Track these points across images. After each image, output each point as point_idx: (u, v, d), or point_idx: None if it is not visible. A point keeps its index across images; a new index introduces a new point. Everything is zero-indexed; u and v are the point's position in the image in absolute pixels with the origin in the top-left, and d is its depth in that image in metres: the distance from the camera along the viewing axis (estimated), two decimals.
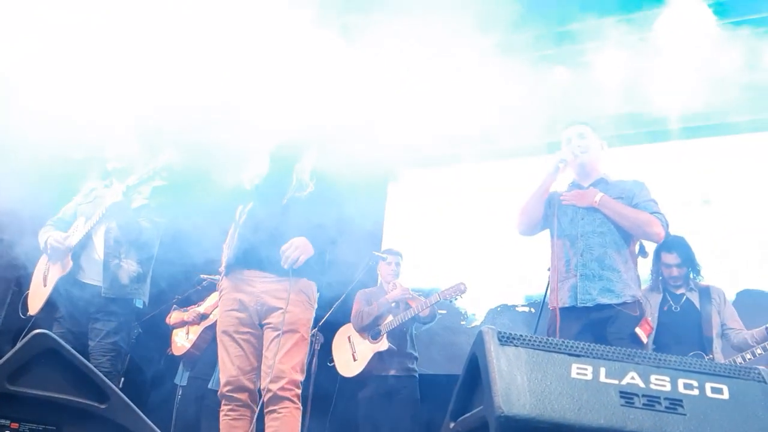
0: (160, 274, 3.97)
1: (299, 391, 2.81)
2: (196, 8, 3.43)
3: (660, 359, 1.67)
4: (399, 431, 4.71)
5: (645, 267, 4.29)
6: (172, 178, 3.63)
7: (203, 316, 5.04)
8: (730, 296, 4.30)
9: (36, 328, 1.96)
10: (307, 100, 3.17)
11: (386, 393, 4.79)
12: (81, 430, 1.91)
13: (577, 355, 1.65)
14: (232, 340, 2.88)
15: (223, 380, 2.87)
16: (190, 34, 3.45)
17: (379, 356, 4.83)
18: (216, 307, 5.02)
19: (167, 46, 3.47)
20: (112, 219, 3.59)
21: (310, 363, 4.31)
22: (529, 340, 1.66)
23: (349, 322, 5.12)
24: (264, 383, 2.78)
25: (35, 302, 3.61)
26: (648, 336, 3.11)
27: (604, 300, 3.06)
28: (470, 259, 6.47)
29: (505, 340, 1.66)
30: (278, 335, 2.80)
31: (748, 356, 3.67)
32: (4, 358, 1.86)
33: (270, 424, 2.75)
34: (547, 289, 4.92)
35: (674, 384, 1.62)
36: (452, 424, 1.83)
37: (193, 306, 5.22)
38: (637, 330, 3.03)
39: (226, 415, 2.85)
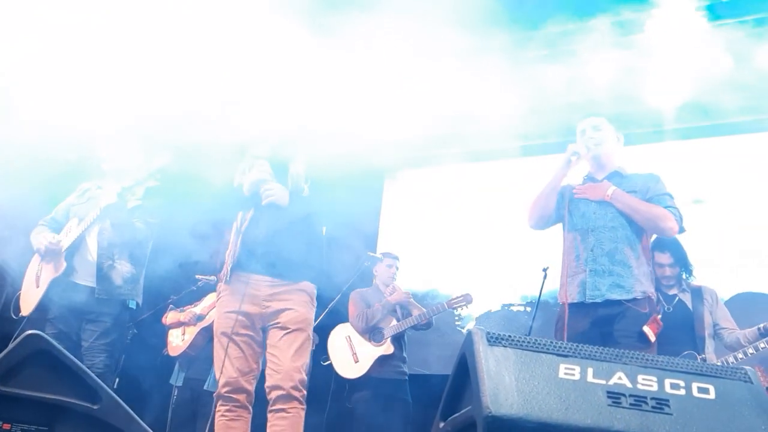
0: (155, 274, 3.97)
1: (305, 392, 2.84)
2: (189, 11, 3.44)
3: (647, 359, 1.69)
4: None
5: None
6: (166, 179, 3.64)
7: (199, 317, 5.05)
8: (723, 296, 4.31)
9: (28, 329, 1.97)
10: (293, 101, 3.18)
11: (384, 396, 4.82)
12: (73, 430, 1.91)
13: (565, 356, 1.66)
14: (231, 341, 2.89)
15: (222, 381, 2.88)
16: (182, 36, 3.45)
17: (381, 359, 4.85)
18: (212, 308, 5.03)
19: (160, 49, 3.48)
20: (106, 220, 3.60)
21: None
22: (518, 341, 1.68)
23: (342, 322, 5.12)
24: (273, 381, 2.79)
25: (27, 303, 3.61)
26: (656, 334, 3.03)
27: (614, 296, 3.00)
28: (465, 259, 6.48)
29: (493, 340, 1.67)
30: (286, 334, 2.83)
31: (740, 356, 3.68)
32: None
33: (276, 422, 2.76)
34: (542, 287, 4.97)
35: (661, 384, 1.64)
36: (442, 424, 1.84)
37: (189, 306, 5.23)
38: (645, 328, 2.97)
39: (222, 415, 2.86)
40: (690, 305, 3.91)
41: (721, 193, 5.85)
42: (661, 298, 3.99)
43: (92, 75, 3.76)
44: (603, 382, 1.62)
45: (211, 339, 5.01)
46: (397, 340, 4.95)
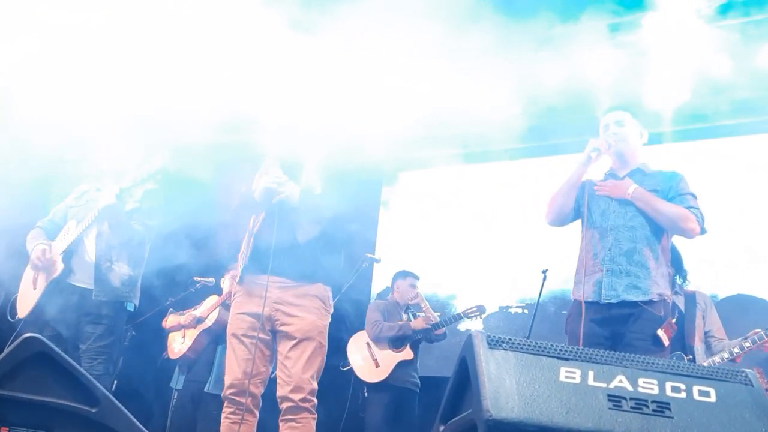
0: (153, 276, 3.95)
1: (316, 402, 2.83)
2: (188, 10, 3.43)
3: (648, 363, 1.69)
4: None
5: None
6: (165, 181, 3.63)
7: (199, 320, 5.04)
8: (715, 295, 4.29)
9: (25, 332, 1.96)
10: (289, 100, 3.18)
11: (396, 404, 4.94)
12: None
13: (566, 359, 1.66)
14: (240, 343, 2.89)
15: (227, 382, 2.87)
16: (182, 35, 3.45)
17: (402, 365, 4.99)
18: (212, 310, 5.04)
19: (160, 46, 3.47)
20: (105, 222, 3.58)
21: None
22: (518, 344, 1.67)
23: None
24: (283, 392, 2.79)
25: (24, 305, 3.58)
26: (670, 338, 2.97)
27: (630, 297, 2.94)
28: (463, 261, 6.48)
29: (494, 343, 1.67)
30: (295, 344, 2.81)
31: (726, 355, 3.69)
32: None
33: None
34: (541, 289, 4.97)
35: (662, 387, 1.63)
36: (442, 428, 1.84)
37: (189, 309, 5.22)
38: (660, 332, 2.91)
39: (227, 417, 2.86)
40: (683, 308, 3.90)
41: (714, 197, 5.86)
42: None
43: (89, 74, 3.76)
44: (604, 385, 1.62)
45: (211, 341, 5.04)
46: (414, 348, 5.08)
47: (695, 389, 1.64)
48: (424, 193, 7.29)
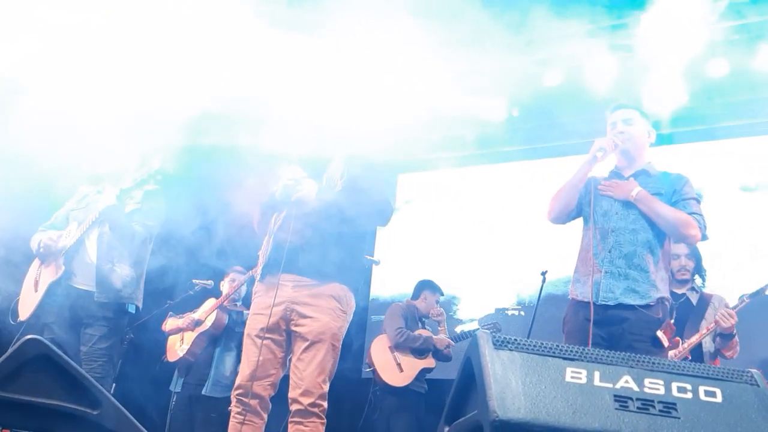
0: (152, 278, 3.94)
1: (326, 405, 2.80)
2: (188, 13, 3.43)
3: (653, 363, 1.68)
4: None
5: None
6: (166, 181, 3.62)
7: (197, 322, 5.03)
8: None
9: (27, 334, 1.94)
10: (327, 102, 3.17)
11: (413, 407, 5.02)
12: None
13: (572, 359, 1.65)
14: (253, 343, 2.86)
15: (236, 382, 2.86)
16: (183, 38, 3.44)
17: (424, 372, 5.09)
18: (211, 312, 5.02)
19: (162, 49, 3.46)
20: (105, 223, 3.56)
21: None
22: (524, 344, 1.67)
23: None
24: (294, 394, 2.77)
25: (26, 308, 3.56)
26: (669, 339, 2.98)
27: (627, 300, 2.93)
28: (463, 264, 6.47)
29: (499, 344, 1.66)
30: (308, 346, 2.79)
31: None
32: None
33: None
34: (540, 291, 4.97)
35: (668, 387, 1.63)
36: (447, 429, 1.83)
37: (188, 312, 5.21)
38: (659, 333, 2.90)
39: (234, 417, 2.83)
40: (695, 303, 3.93)
41: (715, 197, 5.87)
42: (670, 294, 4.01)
43: (87, 75, 3.74)
44: (610, 385, 1.62)
45: (209, 344, 5.03)
46: (435, 356, 5.16)
47: (701, 389, 1.64)
48: (423, 195, 7.29)
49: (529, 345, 1.67)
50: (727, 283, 4.96)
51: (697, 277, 4.03)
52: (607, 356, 1.68)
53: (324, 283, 2.86)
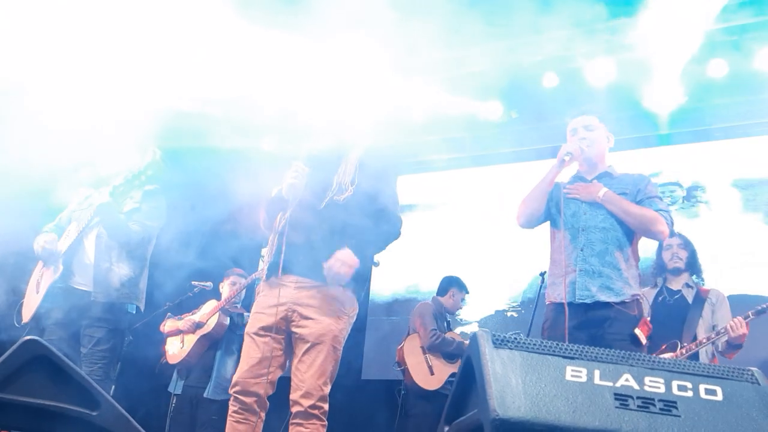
0: (152, 279, 3.93)
1: (327, 407, 2.79)
2: (180, 12, 3.43)
3: (654, 361, 1.68)
4: None
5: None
6: (160, 177, 3.60)
7: (198, 325, 5.02)
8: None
9: (28, 335, 1.94)
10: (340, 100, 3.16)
11: (440, 411, 4.95)
12: None
13: (572, 358, 1.65)
14: (252, 341, 2.86)
15: (233, 380, 2.85)
16: (174, 40, 3.44)
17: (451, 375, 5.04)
18: (212, 315, 5.01)
19: (162, 52, 3.47)
20: (101, 221, 3.55)
21: None
22: (524, 343, 1.66)
23: None
24: (294, 396, 2.77)
25: (28, 310, 3.56)
26: (647, 336, 3.05)
27: (603, 297, 2.99)
28: (462, 265, 6.47)
29: (499, 342, 1.66)
30: (308, 349, 2.78)
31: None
32: None
33: None
34: (540, 291, 4.97)
35: (668, 386, 1.63)
36: (447, 428, 1.82)
37: (187, 314, 5.20)
38: (637, 331, 2.97)
39: (231, 415, 2.83)
40: (690, 300, 3.92)
41: (712, 197, 5.88)
42: (665, 290, 4.01)
43: (86, 79, 3.75)
44: (610, 384, 1.61)
45: (210, 347, 5.02)
46: None
47: (702, 388, 1.64)
48: (422, 196, 7.29)
49: (529, 344, 1.66)
50: (724, 283, 4.95)
51: (693, 275, 4.03)
52: (608, 355, 1.68)
53: (326, 285, 2.84)
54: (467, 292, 5.47)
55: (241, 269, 5.29)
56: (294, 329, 2.84)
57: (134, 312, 3.63)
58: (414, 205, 7.29)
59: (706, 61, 5.41)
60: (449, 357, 5.09)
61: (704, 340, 3.75)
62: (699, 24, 4.93)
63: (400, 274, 6.94)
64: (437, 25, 3.98)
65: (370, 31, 3.59)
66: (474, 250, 6.43)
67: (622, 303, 2.99)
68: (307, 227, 2.84)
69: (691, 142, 6.14)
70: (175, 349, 5.05)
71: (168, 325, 5.15)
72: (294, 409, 2.76)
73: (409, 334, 5.29)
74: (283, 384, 2.89)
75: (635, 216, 3.08)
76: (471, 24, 4.53)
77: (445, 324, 5.30)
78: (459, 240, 6.65)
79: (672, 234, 3.19)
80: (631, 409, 1.57)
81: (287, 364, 2.92)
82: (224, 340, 5.01)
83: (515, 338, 1.67)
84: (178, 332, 5.07)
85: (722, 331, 3.70)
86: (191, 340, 4.98)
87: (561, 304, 3.02)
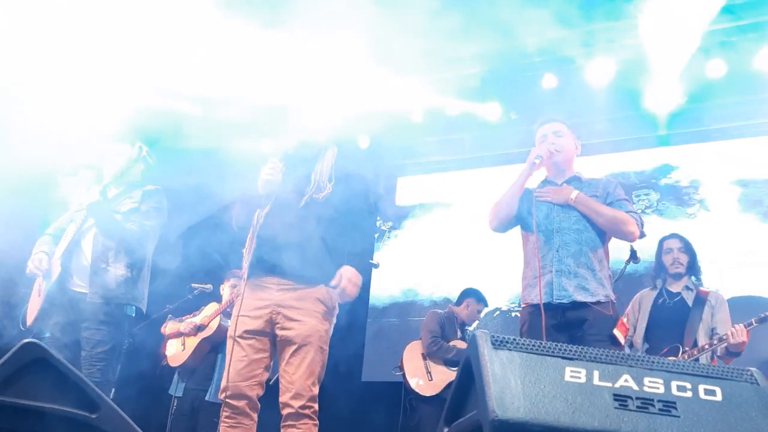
0: (151, 281, 3.91)
1: (317, 407, 2.79)
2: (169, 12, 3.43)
3: (653, 361, 1.68)
4: None
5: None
6: (148, 174, 3.60)
7: (200, 327, 5.02)
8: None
9: (29, 339, 1.93)
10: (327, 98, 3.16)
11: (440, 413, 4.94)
12: None
13: (571, 358, 1.65)
14: (237, 344, 2.84)
15: (222, 385, 2.83)
16: (175, 40, 3.44)
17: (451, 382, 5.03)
18: (213, 317, 5.01)
19: (156, 55, 3.47)
20: (94, 221, 3.53)
21: None
22: (523, 344, 1.66)
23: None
24: (284, 398, 2.76)
25: (31, 313, 3.54)
26: (625, 336, 3.11)
27: (580, 297, 3.01)
28: (462, 266, 6.47)
29: (498, 343, 1.65)
30: (295, 350, 2.78)
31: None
32: None
33: None
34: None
35: (668, 386, 1.62)
36: (446, 429, 1.82)
37: (188, 316, 5.19)
38: (615, 331, 3.00)
39: (223, 421, 2.81)
40: (690, 303, 3.92)
41: (711, 199, 5.88)
42: (664, 293, 4.02)
43: (81, 79, 3.75)
44: (609, 384, 1.61)
45: (212, 350, 5.01)
46: None
47: (701, 388, 1.63)
48: (421, 198, 7.29)
49: (528, 345, 1.66)
50: (722, 283, 4.96)
51: (692, 277, 4.04)
52: (607, 355, 1.68)
53: (309, 285, 2.84)
54: (485, 305, 5.49)
55: (241, 271, 5.28)
56: (279, 332, 2.83)
57: (134, 314, 3.58)
58: (413, 206, 7.29)
59: (704, 61, 5.42)
60: (451, 364, 5.10)
61: (706, 347, 3.74)
62: (698, 25, 4.94)
63: (401, 275, 6.94)
64: (436, 25, 3.97)
65: (368, 31, 3.59)
66: (474, 251, 6.42)
67: (598, 303, 3.02)
68: (287, 226, 2.82)
69: (690, 142, 6.14)
70: (176, 352, 5.04)
71: (169, 327, 5.15)
72: (285, 412, 2.75)
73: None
74: (269, 387, 2.89)
75: (607, 217, 3.12)
76: (470, 25, 4.53)
77: (458, 333, 5.29)
78: (459, 241, 6.64)
79: (642, 235, 3.21)
80: (630, 410, 1.57)
81: (272, 365, 2.91)
82: (225, 343, 5.00)
83: (514, 339, 1.67)
84: (179, 334, 5.06)
85: (724, 337, 3.70)
86: (192, 342, 4.98)
87: (537, 306, 3.05)
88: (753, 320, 3.71)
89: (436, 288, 6.53)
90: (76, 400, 1.89)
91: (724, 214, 5.77)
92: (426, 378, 5.07)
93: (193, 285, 5.24)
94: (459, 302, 5.47)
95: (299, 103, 3.13)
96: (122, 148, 3.70)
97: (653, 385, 1.62)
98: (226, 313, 5.04)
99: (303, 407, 2.73)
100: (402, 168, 7.42)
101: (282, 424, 2.77)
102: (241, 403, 2.78)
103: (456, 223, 6.81)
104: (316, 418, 2.78)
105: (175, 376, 5.09)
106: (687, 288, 4.00)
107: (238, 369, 2.80)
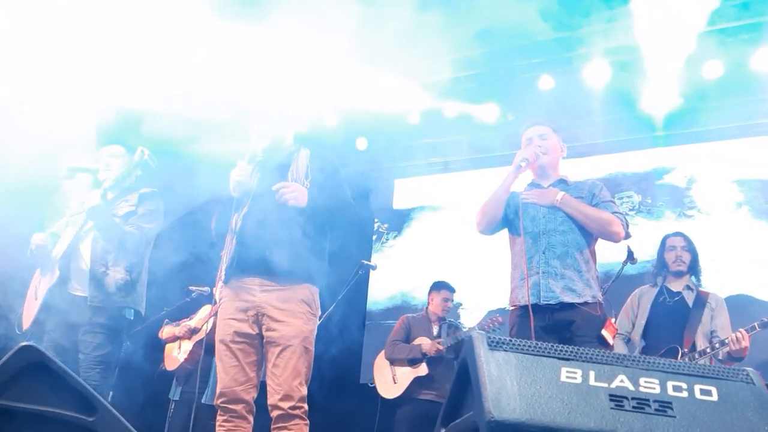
0: (150, 283, 3.91)
1: (307, 407, 2.79)
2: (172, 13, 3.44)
3: (649, 362, 1.68)
4: None
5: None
6: (150, 178, 3.60)
7: (194, 330, 5.02)
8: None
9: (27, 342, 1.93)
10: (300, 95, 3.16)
11: (421, 415, 4.95)
12: None
13: (567, 359, 1.66)
14: (227, 349, 2.84)
15: (218, 390, 2.83)
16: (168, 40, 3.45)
17: (417, 380, 5.05)
18: (206, 320, 5.00)
19: (149, 57, 3.47)
20: (94, 224, 3.53)
21: None
22: (519, 345, 1.67)
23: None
24: (273, 400, 2.76)
25: (28, 317, 3.53)
26: (614, 337, 3.11)
27: (567, 298, 3.03)
28: (460, 267, 6.47)
29: (494, 344, 1.66)
30: (281, 351, 2.77)
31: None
32: None
33: None
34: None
35: (663, 386, 1.63)
36: (443, 430, 1.83)
37: (184, 320, 5.19)
38: (604, 332, 3.02)
39: (220, 425, 2.81)
40: (690, 303, 3.93)
41: (709, 200, 5.89)
42: (665, 291, 4.03)
43: (80, 81, 3.75)
44: (605, 385, 1.62)
45: (207, 352, 5.00)
46: (429, 364, 5.08)
47: (697, 388, 1.64)
48: (420, 199, 7.30)
49: (524, 345, 1.67)
50: (720, 283, 4.96)
51: (692, 277, 4.05)
52: (602, 356, 1.68)
53: (292, 285, 2.84)
54: (450, 290, 5.38)
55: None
56: (265, 333, 2.83)
57: (132, 317, 3.58)
58: (411, 208, 7.29)
59: (701, 62, 5.43)
60: (412, 363, 5.10)
61: (708, 350, 3.74)
62: (694, 26, 4.95)
63: (398, 278, 6.94)
64: (433, 27, 3.98)
65: (366, 33, 3.59)
66: (472, 252, 6.42)
67: (585, 304, 3.04)
68: (266, 226, 2.82)
69: (687, 143, 6.15)
70: (173, 355, 5.04)
71: (165, 331, 5.15)
72: (274, 414, 2.75)
73: None
74: (260, 392, 2.89)
75: (592, 218, 3.14)
76: (467, 26, 4.54)
77: (434, 329, 5.23)
78: (457, 242, 6.65)
79: (628, 236, 3.24)
80: (626, 410, 1.57)
81: (261, 366, 2.92)
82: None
83: (510, 340, 1.67)
84: (175, 338, 5.07)
85: (726, 341, 3.70)
86: (188, 345, 4.98)
87: (525, 307, 3.06)
88: (756, 324, 3.69)
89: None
90: (73, 403, 1.89)
91: (721, 214, 5.78)
92: (391, 382, 5.14)
93: (191, 288, 5.25)
94: (427, 301, 5.46)
95: (291, 104, 3.13)
96: (117, 150, 3.70)
97: (649, 386, 1.63)
98: None
99: (293, 408, 2.73)
100: (399, 170, 7.42)
101: (273, 426, 2.76)
102: (239, 407, 2.79)
103: (454, 224, 6.81)
104: (306, 418, 2.78)
105: (173, 380, 5.09)
106: (688, 288, 4.01)
107: (233, 374, 2.80)
